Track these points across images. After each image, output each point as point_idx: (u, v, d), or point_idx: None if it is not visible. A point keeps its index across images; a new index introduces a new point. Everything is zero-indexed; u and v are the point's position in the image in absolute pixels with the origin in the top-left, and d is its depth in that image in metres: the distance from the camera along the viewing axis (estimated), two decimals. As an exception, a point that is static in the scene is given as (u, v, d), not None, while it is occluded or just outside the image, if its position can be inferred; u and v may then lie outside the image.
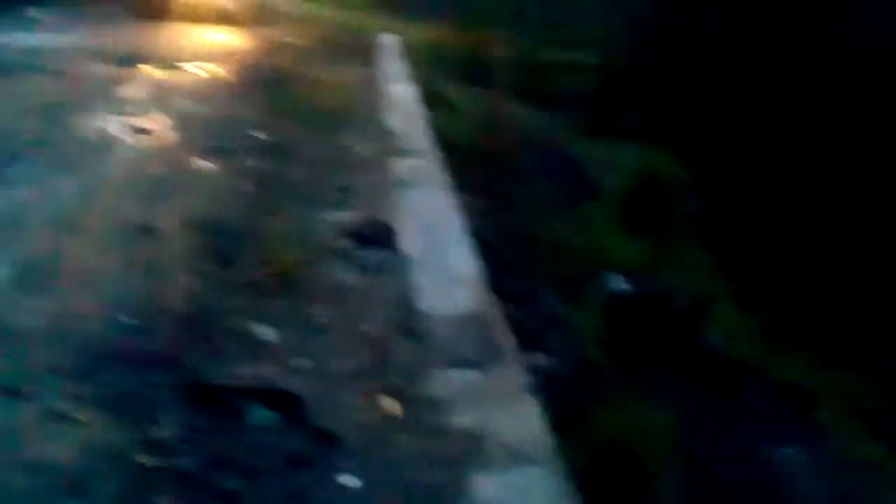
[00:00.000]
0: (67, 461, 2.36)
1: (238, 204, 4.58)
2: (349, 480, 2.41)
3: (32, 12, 12.76)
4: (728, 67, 18.71)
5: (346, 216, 4.52)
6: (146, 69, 8.38)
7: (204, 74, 8.38)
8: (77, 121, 6.08)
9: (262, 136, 6.01)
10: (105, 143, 5.60)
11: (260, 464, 2.46)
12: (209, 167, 5.19)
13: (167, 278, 3.62)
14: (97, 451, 2.43)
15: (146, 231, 4.08)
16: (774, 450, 5.94)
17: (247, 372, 2.95)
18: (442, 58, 16.93)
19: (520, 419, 2.90)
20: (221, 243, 4.01)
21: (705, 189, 14.83)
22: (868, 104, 16.01)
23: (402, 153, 5.97)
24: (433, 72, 13.49)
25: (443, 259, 4.17)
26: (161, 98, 7.03)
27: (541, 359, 4.99)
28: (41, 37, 10.27)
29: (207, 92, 7.51)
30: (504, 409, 2.93)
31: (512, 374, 3.23)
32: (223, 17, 11.67)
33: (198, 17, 11.42)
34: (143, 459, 2.41)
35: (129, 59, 8.58)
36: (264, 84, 7.91)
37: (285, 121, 6.49)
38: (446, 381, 3.05)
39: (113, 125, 6.05)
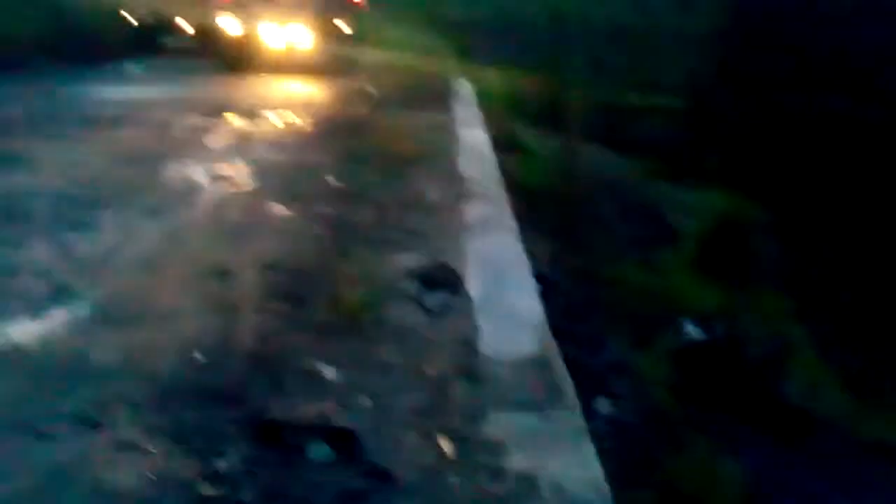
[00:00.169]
0: (134, 489, 2.49)
1: (310, 247, 4.73)
2: (402, 517, 2.47)
3: (128, 66, 13.49)
4: (810, 110, 18.37)
5: (414, 259, 4.61)
6: (230, 119, 8.77)
7: (284, 123, 8.71)
8: (163, 168, 6.41)
9: (335, 181, 6.21)
10: (188, 190, 5.88)
11: (316, 498, 2.53)
12: (284, 212, 5.38)
13: (239, 318, 3.76)
14: (163, 480, 2.55)
15: (222, 273, 4.25)
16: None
17: (309, 409, 3.04)
18: (518, 102, 17.11)
19: (576, 464, 2.90)
20: (292, 285, 4.15)
21: (787, 233, 14.52)
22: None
23: (473, 197, 6.05)
24: (508, 116, 13.65)
25: (507, 302, 4.21)
26: (242, 146, 7.35)
27: (606, 404, 4.97)
28: (135, 89, 10.83)
29: (286, 140, 7.79)
30: (560, 453, 2.95)
31: (570, 419, 3.24)
32: (305, 69, 12.10)
33: (281, 69, 11.87)
34: (206, 490, 2.52)
35: (215, 110, 9.01)
36: (340, 131, 8.17)
37: (359, 166, 6.69)
38: (503, 424, 3.08)
39: (196, 173, 6.36)
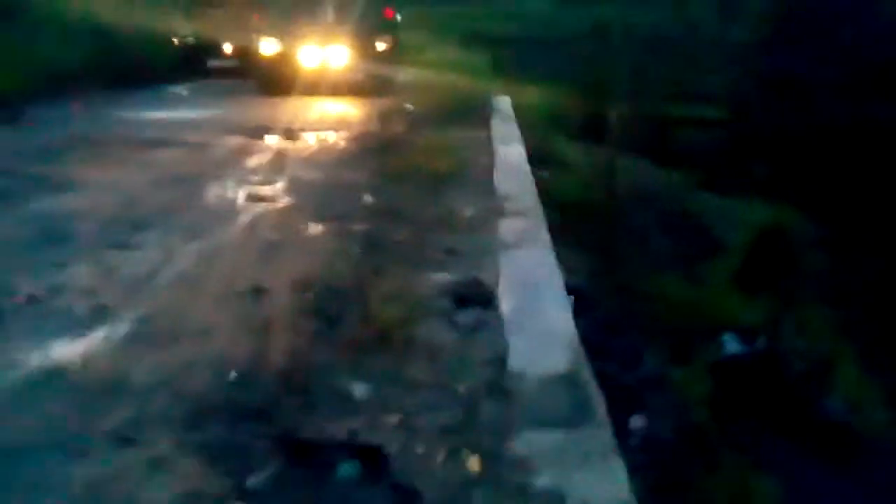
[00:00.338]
0: (166, 505, 2.55)
1: (344, 265, 4.78)
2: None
3: (172, 88, 13.80)
4: (856, 119, 18.05)
5: (447, 276, 4.64)
6: (268, 138, 8.92)
7: (321, 142, 8.84)
8: (202, 189, 6.55)
9: (371, 199, 6.27)
10: (226, 210, 6.00)
11: (344, 516, 2.57)
12: (319, 230, 5.46)
13: (273, 336, 3.82)
14: (195, 496, 2.61)
15: (257, 291, 4.32)
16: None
17: (339, 427, 3.07)
18: (557, 116, 17.10)
19: (604, 481, 2.89)
20: (325, 303, 4.20)
21: (833, 245, 14.24)
22: None
23: (508, 214, 6.06)
24: (547, 130, 13.65)
25: (540, 320, 4.20)
26: (280, 165, 7.47)
27: (641, 420, 4.94)
28: (177, 111, 11.08)
29: (323, 158, 7.90)
30: (588, 471, 2.94)
31: (600, 436, 3.22)
32: (342, 88, 12.24)
33: (319, 88, 12.02)
34: (237, 508, 2.57)
35: (254, 130, 9.18)
36: (377, 149, 8.25)
37: (395, 184, 6.75)
38: (531, 441, 3.08)
39: (234, 192, 6.49)
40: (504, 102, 12.48)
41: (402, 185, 6.77)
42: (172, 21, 16.84)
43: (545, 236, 5.53)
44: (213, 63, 16.38)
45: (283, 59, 12.57)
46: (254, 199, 6.34)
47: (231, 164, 7.60)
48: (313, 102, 11.60)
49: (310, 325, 3.95)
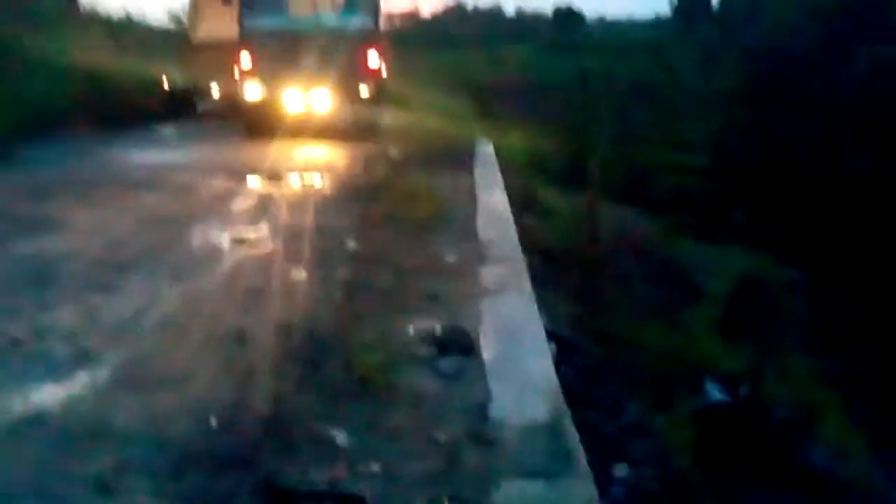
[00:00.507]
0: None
1: (326, 311, 4.80)
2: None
3: (159, 130, 13.89)
4: (833, 168, 18.35)
5: (429, 323, 4.67)
6: (253, 182, 8.99)
7: (305, 186, 8.91)
8: (187, 231, 6.58)
9: (354, 244, 6.32)
10: (210, 253, 6.03)
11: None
12: (302, 275, 5.49)
13: (254, 382, 3.83)
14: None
15: (240, 336, 4.34)
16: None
17: (319, 475, 3.08)
18: (540, 162, 17.28)
19: (584, 531, 2.92)
20: (308, 348, 4.22)
21: (813, 291, 14.38)
22: None
23: (490, 261, 6.11)
24: (530, 176, 13.79)
25: (521, 367, 4.23)
26: (264, 209, 7.51)
27: (623, 469, 4.95)
28: (164, 153, 11.15)
29: (306, 203, 7.94)
30: (569, 521, 2.96)
31: (581, 486, 3.24)
32: (328, 134, 12.33)
33: (303, 133, 12.11)
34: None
35: (239, 173, 9.25)
36: (360, 194, 8.31)
37: (377, 230, 6.80)
38: (513, 491, 3.10)
39: (218, 236, 6.53)
40: (488, 148, 12.61)
41: (384, 231, 6.82)
42: (162, 65, 17.01)
43: (527, 284, 5.59)
44: (202, 106, 16.52)
45: (267, 104, 12.67)
46: (238, 242, 6.36)
47: (216, 208, 7.64)
48: (298, 146, 11.68)
49: (292, 370, 3.96)
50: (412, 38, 47.42)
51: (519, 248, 6.52)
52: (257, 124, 12.62)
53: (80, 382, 3.73)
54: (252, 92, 12.76)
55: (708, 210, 21.79)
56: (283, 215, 7.35)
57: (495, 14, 70.05)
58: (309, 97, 12.59)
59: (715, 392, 7.80)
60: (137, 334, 4.36)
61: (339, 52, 12.32)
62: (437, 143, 11.95)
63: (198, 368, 3.92)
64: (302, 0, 13.39)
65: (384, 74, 13.26)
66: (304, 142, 11.93)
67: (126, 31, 18.62)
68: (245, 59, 12.80)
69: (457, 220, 7.40)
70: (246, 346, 4.22)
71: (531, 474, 3.23)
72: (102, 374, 3.82)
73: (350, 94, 12.59)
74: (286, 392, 3.72)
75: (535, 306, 5.17)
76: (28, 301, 4.82)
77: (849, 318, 13.32)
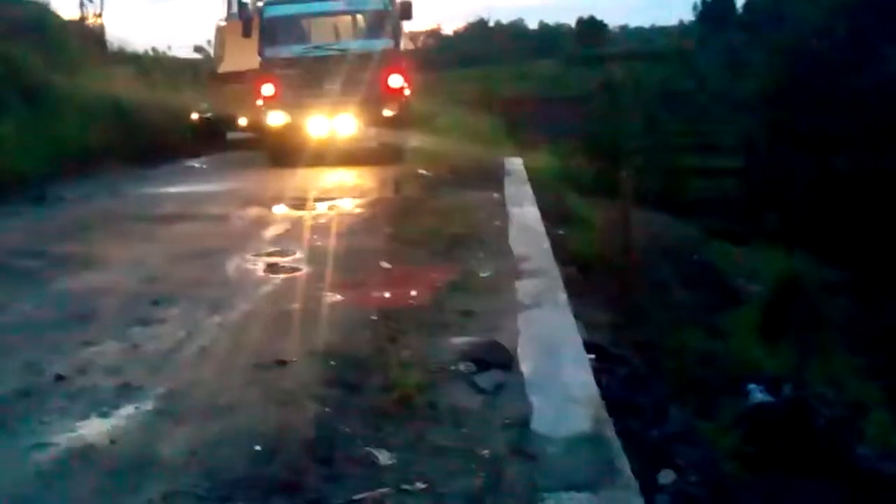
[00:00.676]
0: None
1: (364, 333, 4.82)
2: None
3: (189, 162, 14.10)
4: (862, 166, 18.10)
5: (466, 340, 4.67)
6: (284, 209, 9.08)
7: (336, 210, 8.97)
8: (222, 261, 6.66)
9: (388, 265, 6.35)
10: (246, 282, 6.10)
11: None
12: (338, 299, 5.52)
13: (296, 406, 3.85)
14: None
15: (280, 363, 4.37)
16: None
17: (364, 496, 3.09)
18: (570, 174, 17.25)
19: (632, 542, 2.89)
20: (347, 371, 4.24)
21: (851, 289, 14.17)
22: None
23: (524, 275, 6.11)
24: (561, 189, 13.77)
25: (561, 380, 4.22)
26: (298, 236, 7.59)
27: (669, 476, 4.90)
28: (195, 185, 11.30)
29: (340, 227, 8.00)
30: (616, 532, 2.93)
31: (627, 497, 3.22)
32: (354, 158, 12.38)
33: (332, 159, 12.16)
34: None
35: (269, 201, 9.37)
36: (391, 215, 8.35)
37: (410, 249, 6.83)
38: None
39: (253, 264, 6.60)
40: (516, 163, 12.62)
41: (417, 250, 6.85)
42: (190, 97, 17.29)
43: (562, 296, 5.57)
44: (231, 136, 16.74)
45: (291, 131, 12.77)
46: (273, 269, 6.43)
47: (249, 236, 7.73)
48: (328, 172, 11.78)
49: (332, 394, 3.98)
50: (435, 56, 47.76)
51: (553, 260, 6.51)
52: (282, 151, 12.72)
53: (124, 415, 3.77)
54: (275, 119, 12.87)
55: (742, 213, 21.61)
56: (316, 240, 7.41)
57: (518, 28, 70.38)
58: (333, 122, 12.66)
59: (758, 393, 7.72)
60: (179, 366, 4.41)
61: (361, 76, 12.37)
62: (465, 160, 11.98)
63: (240, 396, 3.95)
64: (322, 26, 13.54)
65: (408, 95, 13.30)
66: (332, 167, 12.02)
67: (153, 65, 18.94)
68: (267, 87, 12.94)
69: (489, 235, 7.42)
70: (286, 373, 4.24)
71: (575, 487, 3.21)
72: (146, 406, 3.86)
73: (374, 117, 12.63)
74: (328, 415, 3.74)
75: (572, 318, 5.15)
76: (70, 337, 4.89)
77: (892, 315, 13.10)
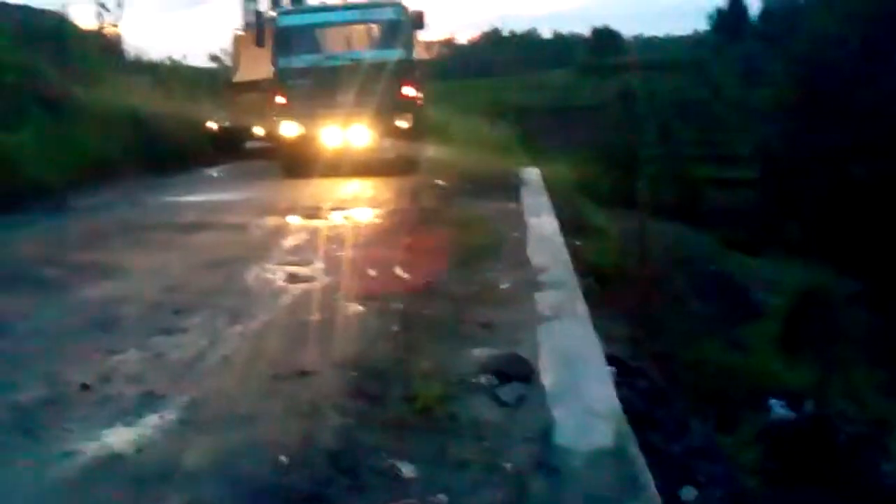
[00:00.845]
0: None
1: (383, 344, 4.83)
2: None
3: (207, 172, 14.18)
4: (879, 177, 17.98)
5: (487, 352, 4.67)
6: (302, 218, 9.11)
7: (353, 220, 8.99)
8: (241, 271, 6.69)
9: (406, 275, 6.35)
10: (265, 291, 6.12)
11: None
12: (357, 309, 5.53)
13: (319, 417, 3.86)
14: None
15: (301, 374, 4.38)
16: None
17: (390, 507, 3.09)
18: (586, 184, 17.22)
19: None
20: (368, 382, 4.25)
21: (873, 301, 14.05)
22: None
23: (543, 286, 6.10)
24: (577, 199, 13.75)
25: (582, 393, 4.20)
26: (317, 246, 7.61)
27: (691, 492, 4.87)
28: (213, 194, 11.37)
29: (358, 237, 8.02)
30: (641, 546, 2.92)
31: (650, 510, 3.21)
32: (369, 169, 12.39)
33: (347, 170, 12.17)
34: None
35: (287, 210, 9.41)
36: (410, 226, 8.37)
37: (428, 259, 6.84)
38: (582, 517, 3.08)
39: (272, 273, 6.62)
40: (532, 173, 12.62)
41: (435, 260, 6.85)
42: (207, 106, 17.40)
43: (582, 308, 5.56)
44: (248, 145, 16.84)
45: (304, 141, 12.80)
46: (292, 279, 6.45)
47: (268, 246, 7.75)
48: (344, 182, 11.81)
49: (354, 405, 3.98)
50: (449, 65, 47.88)
51: (572, 272, 6.50)
52: (295, 162, 12.75)
53: (149, 424, 3.79)
54: (288, 130, 12.90)
55: (759, 223, 21.51)
56: (335, 249, 7.43)
57: (532, 38, 70.46)
58: (346, 132, 12.67)
59: (779, 409, 7.67)
60: (201, 375, 4.42)
61: (374, 86, 12.38)
62: (481, 170, 11.97)
63: (262, 406, 3.96)
64: (335, 37, 13.56)
65: (421, 105, 13.31)
66: (347, 177, 12.05)
67: (170, 74, 19.07)
68: (279, 97, 12.98)
69: (507, 246, 7.42)
70: (308, 383, 4.25)
71: (599, 501, 3.20)
72: (170, 415, 3.88)
73: (387, 127, 12.63)
74: (351, 427, 3.74)
75: (593, 330, 5.14)
76: (93, 346, 4.92)
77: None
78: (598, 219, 13.05)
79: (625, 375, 5.75)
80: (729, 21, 52.56)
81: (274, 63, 13.08)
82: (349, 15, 13.52)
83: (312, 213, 9.43)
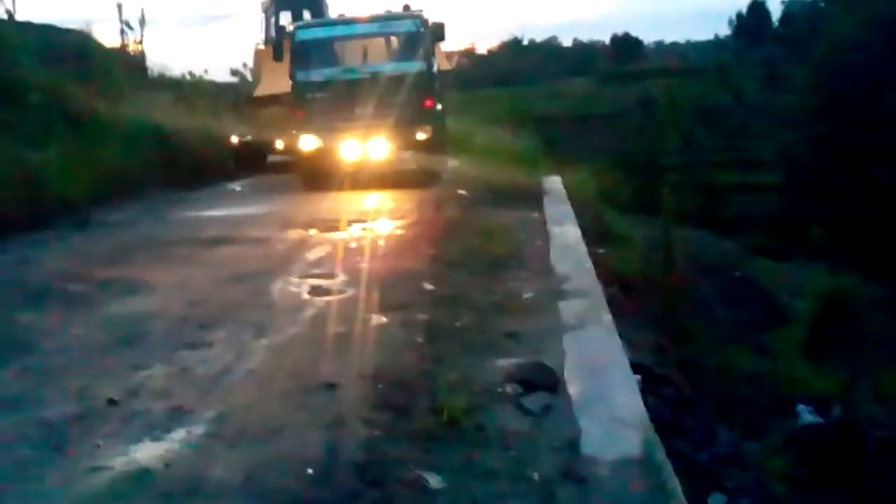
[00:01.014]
0: None
1: (409, 355, 4.83)
2: None
3: (229, 186, 14.27)
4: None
5: (512, 362, 4.66)
6: (324, 231, 9.14)
7: (379, 233, 8.99)
8: (266, 284, 6.72)
9: (431, 286, 6.36)
10: (290, 304, 6.14)
11: None
12: (382, 321, 5.54)
13: (345, 430, 3.86)
14: None
15: (327, 386, 4.38)
16: None
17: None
18: (609, 192, 17.18)
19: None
20: (394, 394, 4.25)
21: (899, 306, 13.88)
22: None
23: (568, 295, 6.08)
24: (600, 207, 13.71)
25: (608, 401, 4.19)
26: (341, 258, 7.63)
27: (719, 500, 4.83)
28: (235, 208, 11.44)
29: (382, 249, 8.03)
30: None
31: (680, 519, 3.18)
32: (388, 180, 12.37)
33: (367, 183, 12.16)
34: None
35: (311, 224, 9.44)
36: (432, 236, 8.37)
37: (453, 270, 6.84)
38: (612, 527, 3.06)
39: (297, 286, 6.65)
40: (555, 182, 12.60)
41: (459, 271, 6.85)
42: (230, 120, 17.52)
43: (607, 316, 5.54)
44: (271, 158, 16.92)
45: (322, 155, 12.77)
46: (316, 292, 6.47)
47: (292, 259, 7.78)
48: (366, 194, 11.83)
49: (381, 417, 3.98)
50: (470, 75, 47.95)
51: (596, 280, 6.48)
52: (315, 175, 12.74)
53: (177, 438, 3.81)
54: (307, 143, 12.89)
55: (784, 228, 21.34)
56: (357, 261, 7.44)
57: (552, 46, 70.46)
58: (365, 146, 12.63)
59: (807, 414, 7.59)
60: (228, 389, 4.44)
61: (393, 99, 12.34)
62: (503, 180, 11.95)
63: (289, 419, 3.97)
64: (353, 50, 13.56)
65: (441, 117, 13.27)
66: (369, 189, 12.06)
67: (192, 90, 19.22)
68: (298, 111, 12.99)
69: (531, 255, 7.41)
70: (333, 396, 4.26)
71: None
72: (198, 429, 3.90)
73: (407, 140, 12.56)
74: (377, 439, 3.75)
75: (618, 338, 5.12)
76: (119, 361, 4.96)
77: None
78: (620, 226, 13.00)
79: (651, 383, 5.72)
80: (750, 25, 52.35)
81: (292, 77, 13.08)
82: (368, 28, 13.49)
83: (334, 225, 9.46)
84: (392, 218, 9.87)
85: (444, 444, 3.72)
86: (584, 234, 8.51)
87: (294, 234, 9.14)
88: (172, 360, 4.94)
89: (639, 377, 4.88)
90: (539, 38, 73.51)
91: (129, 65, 18.82)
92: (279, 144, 16.40)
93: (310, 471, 3.44)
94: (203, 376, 4.65)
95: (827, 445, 6.67)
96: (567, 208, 10.16)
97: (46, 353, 5.25)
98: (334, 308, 5.97)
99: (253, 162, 16.94)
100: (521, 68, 55.26)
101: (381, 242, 8.42)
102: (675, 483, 3.43)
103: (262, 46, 18.59)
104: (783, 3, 52.81)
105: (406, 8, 13.56)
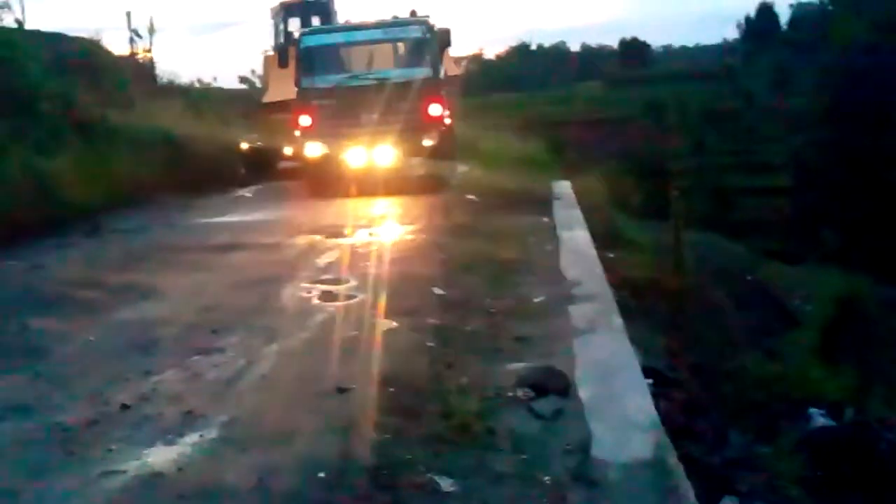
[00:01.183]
0: None
1: (420, 359, 4.84)
2: None
3: (239, 192, 14.31)
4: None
5: (523, 366, 4.66)
6: (336, 238, 9.14)
7: (388, 238, 8.99)
8: (277, 290, 6.73)
9: (440, 291, 6.36)
10: (302, 310, 6.15)
11: None
12: (393, 325, 5.54)
13: (357, 434, 3.87)
14: None
15: (338, 390, 4.39)
16: None
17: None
18: (619, 196, 17.14)
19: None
20: (405, 398, 4.25)
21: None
22: None
23: (578, 299, 6.08)
24: (610, 211, 13.68)
25: (619, 405, 4.19)
26: (350, 264, 7.62)
27: (732, 503, 4.81)
28: (245, 215, 11.47)
29: (391, 254, 8.03)
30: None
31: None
32: (395, 187, 12.32)
33: (371, 188, 12.12)
34: None
35: (320, 230, 9.45)
36: (443, 242, 8.36)
37: (463, 275, 6.84)
38: (624, 530, 3.05)
39: (308, 292, 6.66)
40: (564, 186, 12.57)
41: (469, 275, 6.85)
42: (239, 127, 17.57)
43: (618, 321, 5.53)
44: (281, 165, 16.93)
45: (329, 161, 12.72)
46: (327, 297, 6.48)
47: (302, 265, 7.80)
48: (374, 200, 11.82)
49: (392, 421, 3.99)
50: (478, 80, 48.00)
51: (606, 284, 6.47)
52: (321, 182, 12.70)
53: (189, 443, 3.83)
54: (313, 150, 12.83)
55: (794, 231, 21.29)
56: (367, 266, 7.44)
57: (560, 51, 70.46)
58: (372, 152, 12.57)
59: (819, 418, 7.56)
60: (240, 393, 4.46)
61: (400, 105, 12.24)
62: (513, 185, 11.93)
63: (301, 423, 3.99)
64: (359, 56, 13.50)
65: (449, 124, 13.19)
66: (377, 196, 12.04)
67: (201, 97, 19.30)
68: (304, 118, 12.94)
69: (541, 260, 7.41)
70: (345, 400, 4.27)
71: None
72: (210, 433, 3.92)
73: (414, 147, 12.47)
74: (388, 442, 3.75)
75: (628, 342, 5.11)
76: (132, 366, 4.99)
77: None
78: (630, 231, 12.98)
79: (663, 386, 5.72)
80: (758, 29, 52.20)
81: (297, 83, 13.03)
82: (374, 34, 13.45)
83: (344, 231, 9.46)
84: (401, 223, 9.88)
85: (456, 447, 3.72)
86: (594, 238, 8.50)
87: (303, 239, 9.15)
88: (184, 365, 4.96)
89: (650, 381, 4.88)
90: (547, 43, 73.57)
91: (139, 73, 18.93)
92: (288, 151, 16.41)
93: (322, 474, 3.46)
94: (215, 381, 4.67)
95: (839, 448, 6.64)
96: (577, 213, 10.15)
97: (59, 358, 5.28)
98: (345, 313, 5.98)
99: (262, 168, 16.96)
100: (530, 73, 55.29)
101: (389, 247, 8.42)
102: (686, 486, 3.43)
103: (270, 53, 18.64)
104: (791, 6, 52.79)
105: (413, 14, 13.52)
